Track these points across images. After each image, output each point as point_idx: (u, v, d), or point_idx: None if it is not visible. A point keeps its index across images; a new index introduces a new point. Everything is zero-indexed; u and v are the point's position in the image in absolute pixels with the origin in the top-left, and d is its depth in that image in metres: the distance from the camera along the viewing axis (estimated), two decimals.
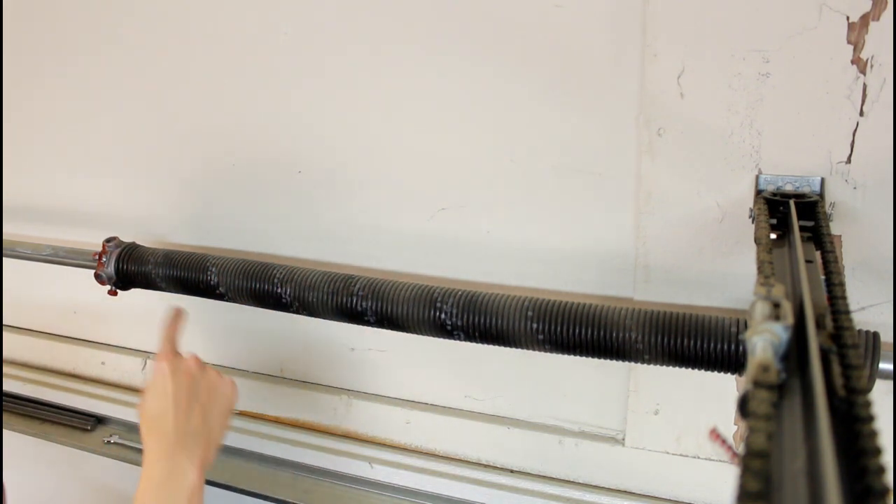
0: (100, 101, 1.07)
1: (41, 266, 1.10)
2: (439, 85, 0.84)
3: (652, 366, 0.66)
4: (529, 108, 0.80)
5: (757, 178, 0.69)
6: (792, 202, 0.63)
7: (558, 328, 0.67)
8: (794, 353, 0.37)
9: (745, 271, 0.75)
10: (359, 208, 0.95)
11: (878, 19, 0.59)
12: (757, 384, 0.31)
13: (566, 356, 0.69)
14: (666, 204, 0.74)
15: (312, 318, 0.81)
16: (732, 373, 0.62)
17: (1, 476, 1.25)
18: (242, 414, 1.14)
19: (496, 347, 0.72)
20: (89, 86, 1.07)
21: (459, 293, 0.72)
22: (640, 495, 0.92)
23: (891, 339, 0.65)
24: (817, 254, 0.57)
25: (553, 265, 0.87)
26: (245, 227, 1.05)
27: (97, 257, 0.94)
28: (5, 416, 1.25)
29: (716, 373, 0.63)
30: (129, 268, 0.93)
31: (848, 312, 0.43)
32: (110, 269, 0.93)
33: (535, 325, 0.68)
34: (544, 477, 0.96)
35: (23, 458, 1.25)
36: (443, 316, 0.72)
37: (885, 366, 0.60)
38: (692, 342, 0.62)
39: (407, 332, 0.76)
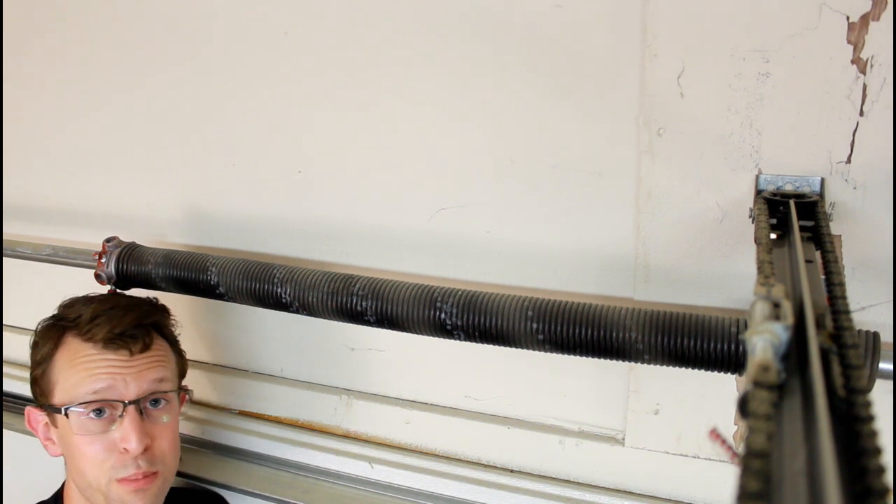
0: (100, 101, 1.07)
1: (41, 266, 1.10)
2: (439, 85, 0.84)
3: (652, 366, 0.66)
4: (529, 108, 0.80)
5: (757, 178, 0.69)
6: (792, 202, 0.63)
7: (558, 328, 0.67)
8: (794, 353, 0.37)
9: (745, 271, 0.75)
10: (359, 208, 0.95)
11: (878, 19, 0.59)
12: (757, 384, 0.31)
13: (566, 356, 0.69)
14: (666, 204, 0.74)
15: (312, 318, 0.81)
16: (732, 373, 0.62)
17: (1, 476, 1.25)
18: (242, 414, 1.14)
19: (496, 347, 0.72)
20: (89, 87, 1.07)
21: (459, 293, 0.72)
22: (640, 495, 0.91)
23: (891, 339, 0.65)
24: (817, 254, 0.57)
25: (553, 265, 0.87)
26: (245, 227, 1.05)
27: (97, 257, 0.94)
28: (5, 416, 1.25)
29: (716, 373, 0.63)
30: (129, 268, 0.92)
31: (848, 312, 0.42)
32: (110, 268, 0.93)
33: (535, 325, 0.68)
34: (544, 477, 0.96)
35: (23, 458, 1.25)
36: (443, 316, 0.72)
37: (885, 366, 0.60)
38: (692, 342, 0.62)
39: (407, 331, 0.76)
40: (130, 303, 0.91)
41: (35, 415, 0.91)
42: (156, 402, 0.88)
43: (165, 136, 1.05)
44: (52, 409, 0.87)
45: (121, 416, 0.85)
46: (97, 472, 0.84)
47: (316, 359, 1.10)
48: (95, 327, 0.86)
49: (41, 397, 0.89)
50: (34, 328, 0.93)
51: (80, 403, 0.84)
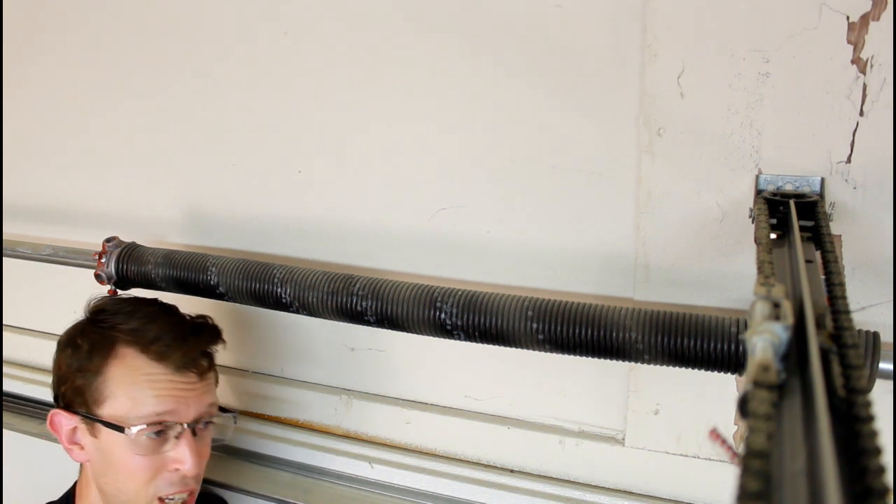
0: (100, 101, 1.07)
1: (41, 266, 1.10)
2: (439, 85, 0.84)
3: (652, 366, 0.66)
4: (529, 108, 0.80)
5: (757, 177, 0.69)
6: (792, 202, 0.63)
7: (558, 328, 0.67)
8: (794, 353, 0.37)
9: (746, 271, 0.75)
10: (359, 208, 0.95)
11: (878, 19, 0.59)
12: (757, 384, 0.31)
13: (566, 356, 0.69)
14: (666, 204, 0.74)
15: (312, 318, 0.81)
16: (732, 373, 0.62)
17: (1, 476, 1.25)
18: (243, 414, 1.14)
19: (496, 347, 0.72)
20: (89, 86, 1.07)
21: (459, 293, 0.72)
22: (640, 495, 0.91)
23: (891, 339, 0.65)
24: (817, 254, 0.57)
25: (553, 265, 0.87)
26: (245, 227, 1.05)
27: (97, 257, 0.94)
28: (5, 416, 1.25)
29: (716, 373, 0.63)
30: (129, 268, 0.92)
31: (848, 312, 0.42)
32: (110, 268, 0.93)
33: (535, 325, 0.68)
34: (544, 477, 0.96)
35: (23, 458, 1.25)
36: (443, 316, 0.72)
37: (885, 366, 0.60)
38: (692, 342, 0.62)
39: (407, 331, 0.76)
40: (195, 324, 0.90)
41: (62, 418, 0.88)
42: (204, 423, 0.90)
43: (165, 136, 1.05)
44: (102, 423, 0.84)
45: (177, 437, 0.85)
46: (143, 488, 0.85)
47: (316, 359, 1.10)
48: (166, 348, 0.85)
49: (81, 405, 0.86)
50: (69, 327, 0.91)
51: (145, 424, 0.83)
